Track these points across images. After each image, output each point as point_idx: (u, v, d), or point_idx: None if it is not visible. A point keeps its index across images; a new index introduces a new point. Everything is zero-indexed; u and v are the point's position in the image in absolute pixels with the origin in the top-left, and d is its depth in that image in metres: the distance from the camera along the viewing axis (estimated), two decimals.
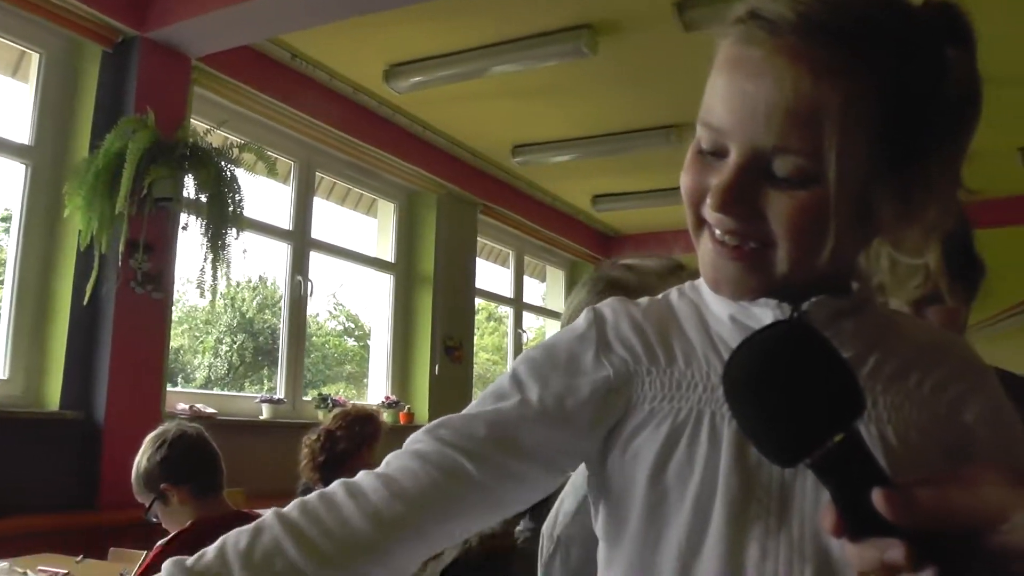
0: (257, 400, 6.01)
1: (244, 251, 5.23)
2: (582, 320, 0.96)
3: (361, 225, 7.97)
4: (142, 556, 3.17)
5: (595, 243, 11.01)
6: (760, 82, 0.77)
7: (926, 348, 0.90)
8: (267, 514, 0.82)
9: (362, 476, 0.85)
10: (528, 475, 0.88)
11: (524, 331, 9.98)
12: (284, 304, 6.54)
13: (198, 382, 11.81)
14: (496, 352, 14.37)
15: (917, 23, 0.78)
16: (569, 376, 0.90)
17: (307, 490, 3.95)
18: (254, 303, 12.47)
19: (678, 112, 6.97)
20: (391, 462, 0.87)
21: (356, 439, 4.04)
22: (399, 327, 7.72)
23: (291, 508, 0.83)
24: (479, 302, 8.66)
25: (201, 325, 11.23)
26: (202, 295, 4.93)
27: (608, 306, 0.97)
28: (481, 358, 9.05)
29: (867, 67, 0.76)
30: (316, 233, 6.72)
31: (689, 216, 0.88)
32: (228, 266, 5.08)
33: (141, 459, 2.63)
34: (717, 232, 0.83)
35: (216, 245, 5.00)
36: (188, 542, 2.45)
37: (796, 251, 0.80)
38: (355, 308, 9.31)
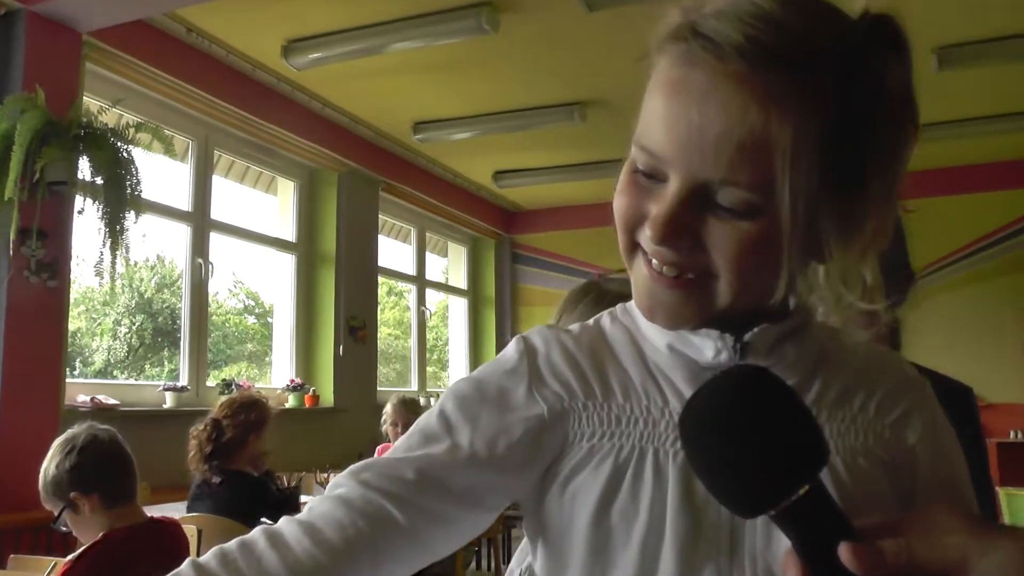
0: (160, 388, 5.86)
1: (143, 235, 5.08)
2: (511, 351, 0.91)
3: (262, 204, 7.82)
4: (47, 564, 3.06)
5: (497, 219, 11.02)
6: (705, 110, 0.73)
7: (866, 367, 0.89)
8: (184, 566, 0.77)
9: (284, 523, 0.80)
10: (457, 518, 0.85)
11: (426, 308, 9.95)
12: (185, 287, 6.37)
13: (96, 366, 11.46)
14: (397, 327, 14.29)
15: (858, 41, 0.75)
16: (500, 413, 0.85)
17: (202, 485, 3.88)
18: (152, 283, 12.14)
19: (580, 89, 7.01)
20: (314, 508, 0.82)
21: (243, 427, 3.97)
22: (302, 308, 7.61)
23: (209, 558, 0.78)
24: (380, 277, 8.59)
25: (98, 307, 10.87)
26: (101, 282, 4.77)
27: (538, 335, 0.92)
28: (383, 333, 8.98)
29: (814, 93, 0.72)
30: (216, 214, 6.55)
31: (622, 239, 0.84)
32: (127, 250, 4.92)
33: (49, 465, 2.50)
34: (654, 262, 0.80)
35: (114, 230, 4.83)
36: (98, 559, 2.37)
37: (738, 282, 0.77)
38: (255, 285, 9.13)
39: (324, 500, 0.82)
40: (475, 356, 11.11)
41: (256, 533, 0.80)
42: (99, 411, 5.06)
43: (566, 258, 11.19)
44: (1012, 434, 8.79)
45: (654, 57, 0.80)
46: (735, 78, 0.72)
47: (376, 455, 3.67)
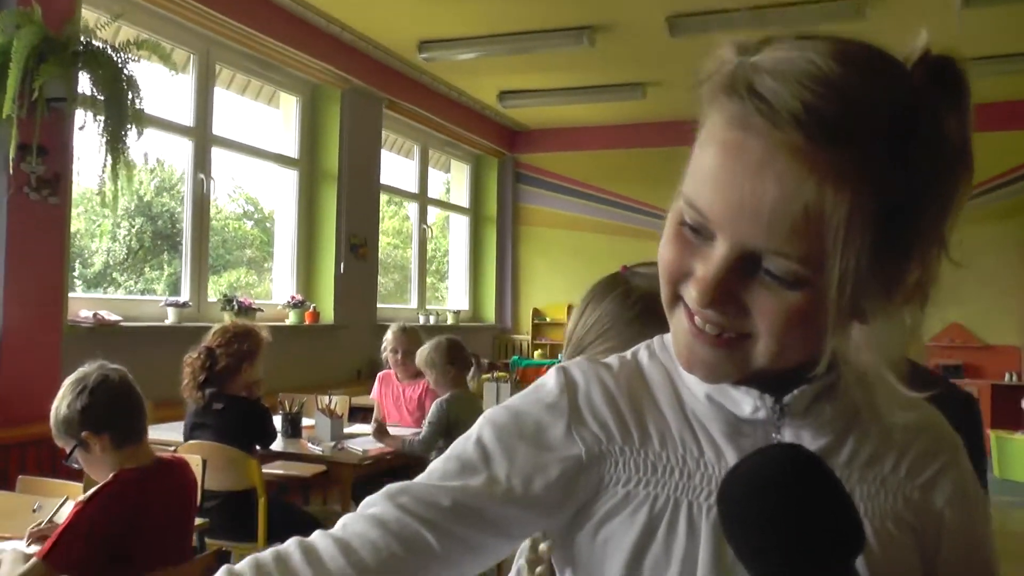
0: (162, 304, 5.90)
1: (145, 154, 5.06)
2: (552, 384, 0.90)
3: (264, 119, 7.75)
4: (55, 488, 3.13)
5: (501, 138, 10.94)
6: (760, 181, 0.71)
7: (900, 426, 0.88)
8: (219, 573, 0.79)
9: (319, 539, 0.82)
10: (488, 545, 0.86)
11: (428, 226, 9.94)
12: (186, 203, 6.37)
13: (95, 268, 11.48)
14: (396, 236, 14.27)
15: (917, 101, 0.72)
16: (537, 451, 0.86)
17: (202, 412, 3.93)
18: (151, 186, 12.09)
19: (589, 13, 6.90)
20: (348, 526, 0.83)
21: (236, 356, 4.02)
22: (303, 225, 7.61)
23: (245, 568, 0.79)
24: (382, 193, 8.56)
25: (97, 208, 10.84)
26: (103, 203, 4.77)
27: (578, 369, 0.92)
28: (382, 243, 8.97)
29: (871, 167, 0.70)
30: (218, 129, 6.51)
31: (665, 290, 0.83)
32: (130, 169, 4.91)
33: (60, 404, 2.56)
34: (697, 319, 0.79)
35: (116, 147, 4.81)
36: (109, 500, 2.43)
37: (778, 348, 0.77)
38: (255, 191, 9.10)
39: (359, 519, 0.84)
40: (475, 273, 11.15)
41: (291, 546, 0.82)
42: (101, 326, 5.10)
43: (569, 179, 11.14)
44: (1007, 376, 8.84)
45: (706, 106, 0.78)
46: (791, 150, 0.70)
47: (376, 383, 3.73)
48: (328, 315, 7.50)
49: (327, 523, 3.09)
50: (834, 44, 0.73)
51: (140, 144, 4.95)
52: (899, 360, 0.80)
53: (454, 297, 11.06)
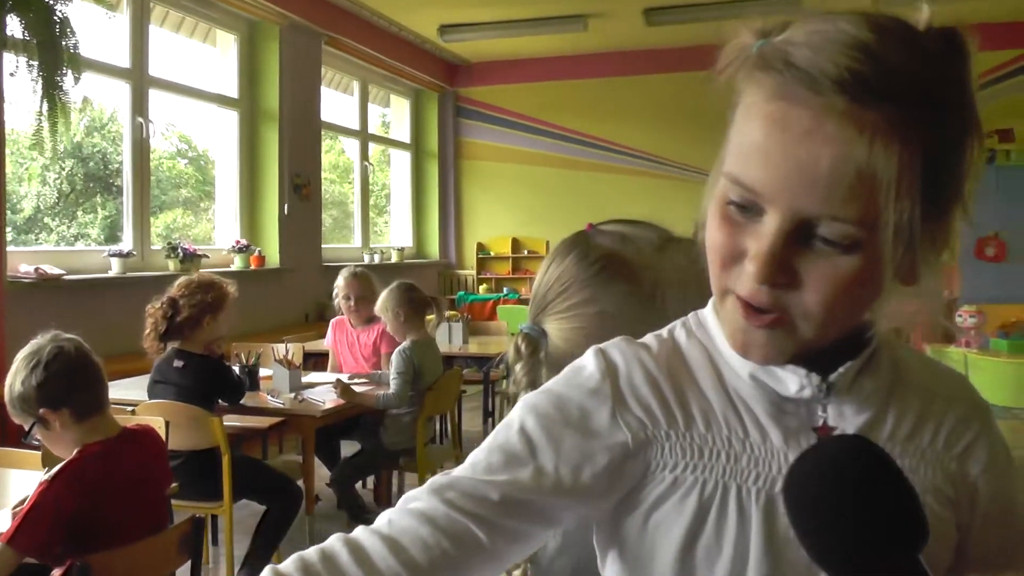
0: (105, 254, 5.76)
1: (84, 97, 4.88)
2: (591, 367, 0.90)
3: (201, 59, 7.52)
4: (10, 455, 3.05)
5: (441, 72, 10.79)
6: (810, 147, 0.72)
7: (934, 395, 0.90)
8: (265, 571, 0.77)
9: (365, 536, 0.81)
10: (534, 535, 0.86)
11: (370, 163, 9.81)
12: (125, 148, 6.19)
13: (26, 213, 11.15)
14: (333, 171, 14.12)
15: (945, 66, 0.75)
16: (583, 438, 0.85)
17: (163, 368, 3.85)
18: (81, 126, 11.68)
19: None
20: (395, 522, 0.82)
21: (199, 308, 3.89)
22: (245, 167, 7.46)
23: (290, 567, 0.78)
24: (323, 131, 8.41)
25: (25, 151, 10.51)
26: (41, 152, 4.60)
27: (618, 351, 0.91)
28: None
29: (913, 125, 0.72)
30: (155, 70, 6.30)
31: (716, 277, 0.83)
32: (67, 115, 4.74)
33: (14, 381, 2.41)
34: (751, 302, 0.79)
35: (51, 93, 4.63)
36: (74, 477, 2.35)
37: (829, 318, 0.78)
38: (189, 129, 8.86)
39: (405, 515, 0.82)
40: (418, 209, 11.06)
41: (337, 544, 0.81)
42: (44, 281, 4.97)
43: (511, 112, 11.06)
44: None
45: (741, 86, 0.79)
46: (837, 114, 0.71)
47: (330, 330, 3.71)
48: (274, 259, 7.41)
49: (293, 479, 3.03)
50: (862, 15, 0.75)
51: (78, 90, 4.77)
52: (942, 315, 0.82)
53: (397, 234, 10.98)
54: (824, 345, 0.81)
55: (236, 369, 4.35)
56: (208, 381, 3.91)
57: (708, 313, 0.92)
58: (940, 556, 0.86)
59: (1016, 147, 9.11)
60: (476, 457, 0.87)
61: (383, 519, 0.83)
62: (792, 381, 0.84)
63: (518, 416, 0.88)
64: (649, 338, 0.93)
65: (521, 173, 10.99)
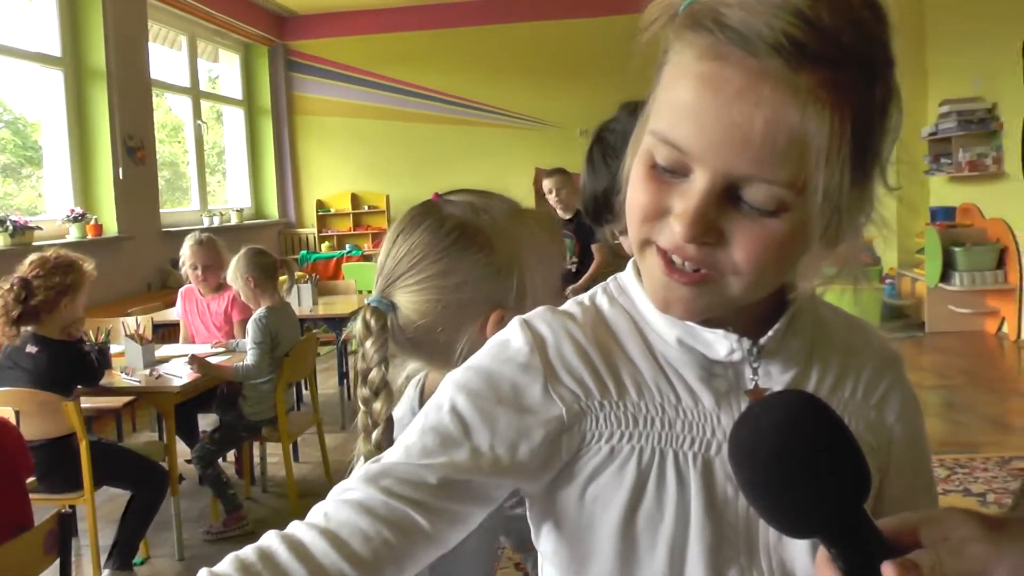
0: None
1: None
2: (519, 340, 0.88)
3: (17, 16, 7.03)
4: None
5: (270, 25, 10.47)
6: (740, 108, 0.71)
7: (850, 344, 0.92)
8: (201, 573, 0.74)
9: (304, 532, 0.79)
10: (473, 515, 0.85)
11: (202, 122, 9.45)
12: None
13: None
14: (161, 130, 13.57)
15: (873, 30, 0.74)
16: (518, 415, 0.84)
17: (13, 354, 3.60)
18: None
19: None
20: (332, 515, 0.80)
21: (56, 290, 3.59)
22: (74, 130, 7.04)
23: (227, 567, 0.75)
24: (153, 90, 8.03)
25: None
26: None
27: (544, 323, 0.90)
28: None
29: (845, 90, 0.72)
30: None
31: (636, 233, 0.81)
32: None
33: None
34: (674, 258, 0.78)
35: None
36: None
37: (756, 277, 0.77)
38: (2, 91, 8.29)
39: (341, 506, 0.80)
40: (254, 168, 10.76)
41: (274, 541, 0.78)
42: None
43: (343, 65, 10.86)
44: None
45: (671, 44, 0.77)
46: (770, 76, 0.71)
47: (179, 300, 3.58)
48: (111, 227, 7.06)
49: (157, 461, 2.90)
50: None
51: None
52: (863, 276, 0.84)
53: (235, 194, 10.65)
54: (748, 304, 0.82)
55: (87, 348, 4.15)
56: (66, 367, 3.62)
57: (628, 277, 0.92)
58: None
59: None
60: (408, 440, 0.85)
61: (318, 513, 0.81)
62: (721, 345, 0.84)
63: (448, 396, 0.86)
64: (571, 306, 0.93)
65: (357, 127, 10.84)
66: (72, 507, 3.73)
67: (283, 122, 10.90)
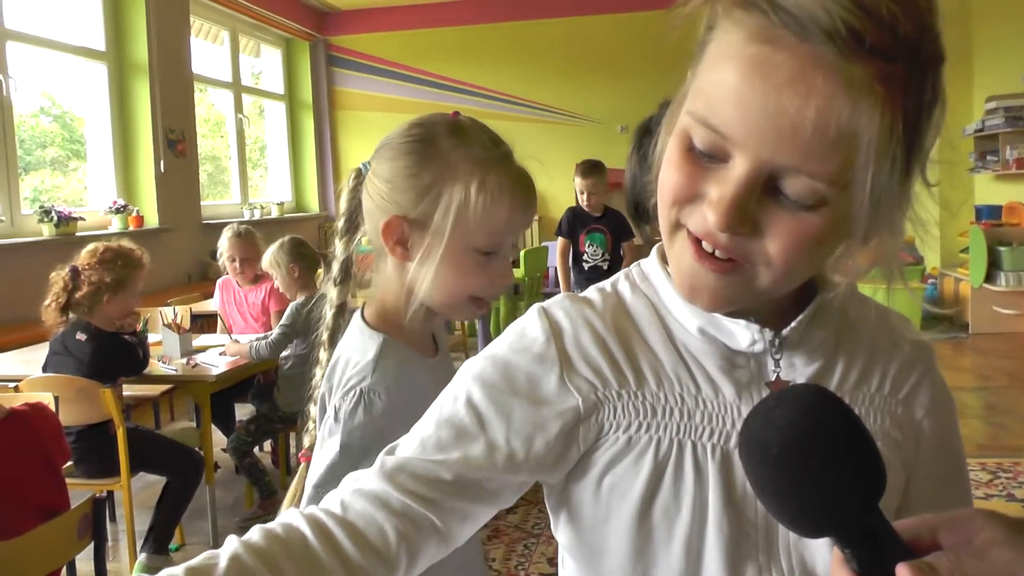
0: None
1: None
2: (536, 330, 0.87)
3: (63, 11, 7.12)
4: None
5: (311, 20, 10.52)
6: (789, 96, 0.68)
7: (879, 337, 0.90)
8: (233, 543, 0.75)
9: (323, 517, 0.79)
10: (485, 513, 0.85)
11: (244, 116, 9.52)
12: None
13: None
14: (204, 124, 13.72)
15: (929, 23, 0.71)
16: (533, 407, 0.83)
17: (64, 339, 3.64)
18: None
19: None
20: (349, 505, 0.80)
21: (97, 284, 3.60)
22: (117, 123, 7.13)
23: (256, 537, 0.76)
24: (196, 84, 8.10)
25: None
26: None
27: (562, 310, 0.88)
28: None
29: (897, 84, 0.68)
30: (12, 23, 5.95)
31: (667, 215, 0.78)
32: None
33: None
34: (704, 243, 0.76)
35: None
36: None
37: (786, 271, 0.75)
38: (52, 86, 8.41)
39: (358, 497, 0.80)
40: (295, 162, 10.83)
41: (301, 522, 0.78)
42: None
43: (383, 60, 10.88)
44: None
45: (719, 22, 0.73)
46: (823, 64, 0.67)
47: (217, 291, 3.59)
48: (152, 218, 7.15)
49: (192, 448, 2.95)
50: None
51: None
52: (899, 275, 0.81)
53: (275, 188, 10.73)
54: (775, 296, 0.80)
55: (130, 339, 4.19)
56: (110, 357, 3.67)
57: (652, 265, 0.90)
58: (890, 497, 0.86)
59: None
60: (424, 432, 0.84)
61: (334, 501, 0.81)
62: (743, 336, 0.83)
63: (464, 387, 0.86)
64: (592, 293, 0.91)
65: (396, 122, 10.57)
66: (110, 492, 3.82)
67: (324, 116, 10.96)
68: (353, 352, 1.33)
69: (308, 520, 0.78)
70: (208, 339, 4.83)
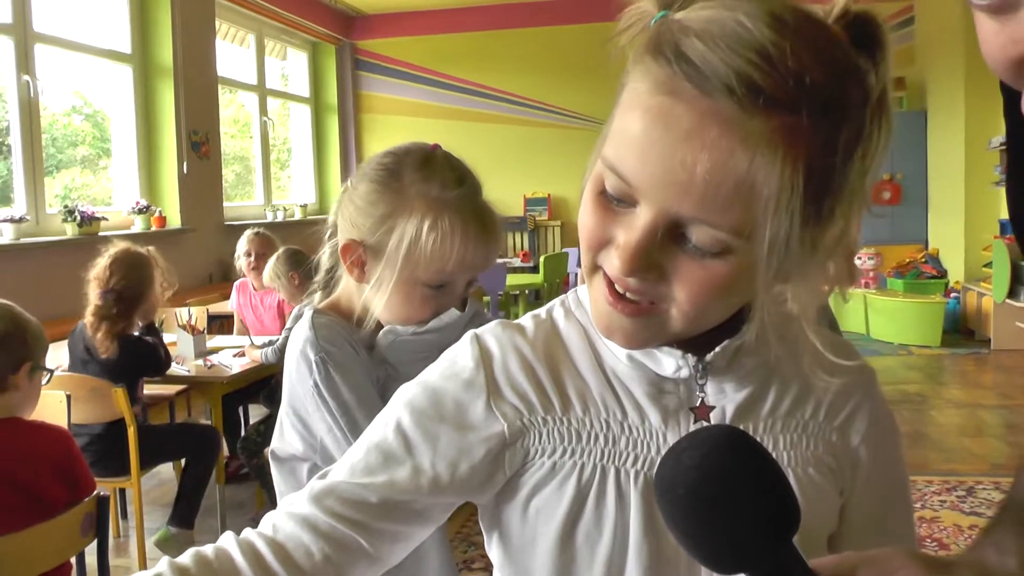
0: None
1: None
2: (467, 356, 0.88)
3: (90, 13, 7.21)
4: None
5: (337, 24, 10.58)
6: (687, 150, 0.68)
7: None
8: (163, 565, 0.79)
9: (255, 538, 0.82)
10: (415, 534, 0.87)
11: (269, 119, 9.59)
12: (12, 109, 5.89)
13: None
14: (233, 125, 13.83)
15: (848, 68, 0.70)
16: (459, 433, 0.85)
17: (88, 347, 3.71)
18: None
19: None
20: (279, 527, 0.83)
21: (137, 286, 3.73)
22: (141, 124, 7.21)
23: (187, 560, 0.80)
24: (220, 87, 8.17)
25: None
26: None
27: (493, 337, 0.89)
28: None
29: (801, 137, 0.68)
30: (40, 26, 6.03)
31: (585, 259, 0.80)
32: None
33: None
34: (617, 286, 0.77)
35: None
36: None
37: (697, 314, 0.76)
38: (83, 86, 8.53)
39: (288, 520, 0.83)
40: (320, 164, 10.89)
41: (231, 543, 0.82)
42: None
43: (408, 64, 10.94)
44: None
45: (630, 66, 0.74)
46: (723, 119, 0.67)
47: (234, 293, 3.63)
48: (174, 219, 7.22)
49: (206, 426, 2.98)
50: (765, 6, 0.70)
51: None
52: (821, 312, 0.81)
53: (299, 190, 10.79)
54: (691, 336, 0.80)
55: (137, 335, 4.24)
56: (134, 358, 3.77)
57: (585, 291, 0.90)
58: (824, 522, 0.88)
59: (908, 94, 9.42)
60: (354, 457, 0.86)
61: (267, 523, 0.84)
62: (668, 362, 0.83)
63: (395, 413, 0.87)
64: (526, 320, 0.92)
65: (421, 126, 10.89)
66: (121, 490, 3.87)
67: (349, 120, 11.03)
68: (293, 343, 1.40)
69: (239, 543, 0.82)
70: (223, 340, 4.87)
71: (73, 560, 2.45)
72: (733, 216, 0.69)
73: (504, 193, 10.48)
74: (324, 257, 1.49)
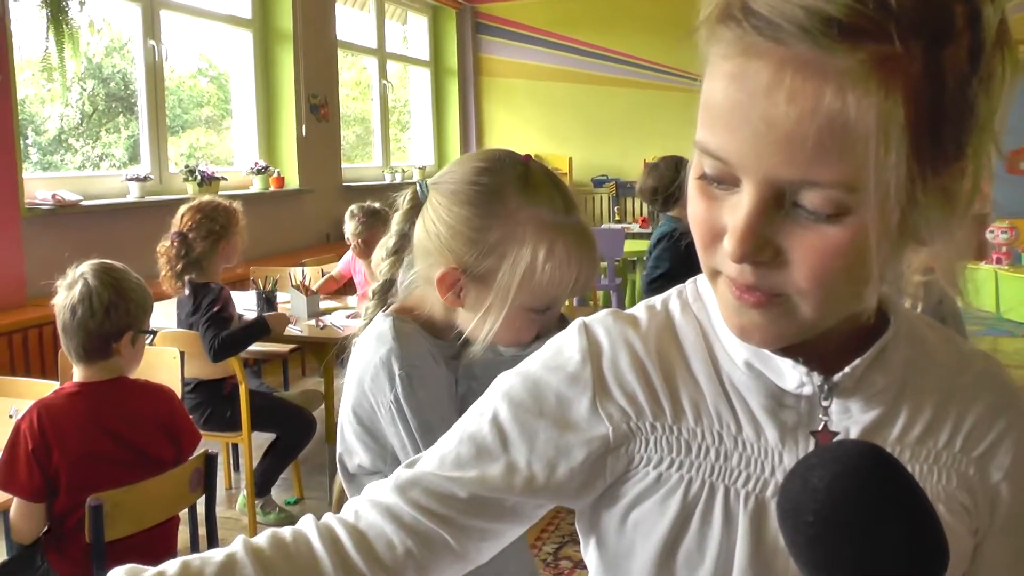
0: (123, 178, 5.75)
1: (91, 21, 4.80)
2: (573, 348, 0.82)
3: None
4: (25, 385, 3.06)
5: None
6: (770, 106, 0.62)
7: (954, 388, 0.80)
8: (237, 545, 0.76)
9: (335, 524, 0.79)
10: (504, 532, 0.82)
11: (388, 83, 9.68)
12: (139, 72, 6.12)
13: (50, 135, 11.15)
14: (355, 87, 14.01)
15: None
16: (560, 432, 0.79)
17: (180, 303, 3.80)
18: (101, 47, 11.62)
19: None
20: (361, 515, 0.79)
21: (211, 237, 3.76)
22: (261, 88, 7.40)
23: (262, 541, 0.77)
24: (339, 50, 8.28)
25: (42, 74, 10.49)
26: (50, 79, 4.55)
27: (603, 329, 0.83)
28: (340, 95, 8.69)
29: (897, 67, 0.60)
30: None
31: (703, 259, 0.73)
32: (76, 41, 4.68)
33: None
34: (740, 281, 0.70)
35: (57, 19, 4.56)
36: (40, 413, 2.32)
37: (823, 296, 0.68)
38: (207, 50, 8.79)
39: (371, 508, 0.79)
40: (438, 127, 10.96)
41: (310, 527, 0.79)
42: (61, 208, 4.97)
43: (528, 27, 10.87)
44: None
45: (705, 46, 0.69)
46: (801, 64, 0.61)
47: (348, 257, 3.59)
48: (292, 180, 7.39)
49: (305, 408, 3.02)
50: None
51: (84, 15, 4.70)
52: (934, 309, 0.73)
53: (417, 152, 10.89)
54: (830, 326, 0.73)
55: (254, 294, 4.32)
56: (197, 308, 3.79)
57: (706, 282, 0.80)
58: (953, 566, 0.75)
59: None
60: (445, 447, 0.82)
61: (350, 510, 0.80)
62: (791, 376, 0.75)
63: (491, 404, 0.82)
64: (640, 311, 0.85)
65: (541, 89, 10.83)
66: (234, 445, 3.99)
67: (468, 83, 11.05)
68: (367, 348, 1.34)
69: (319, 527, 0.78)
70: (334, 302, 4.93)
71: (184, 512, 2.53)
72: (839, 168, 0.62)
73: (625, 157, 10.36)
74: (383, 269, 1.42)
